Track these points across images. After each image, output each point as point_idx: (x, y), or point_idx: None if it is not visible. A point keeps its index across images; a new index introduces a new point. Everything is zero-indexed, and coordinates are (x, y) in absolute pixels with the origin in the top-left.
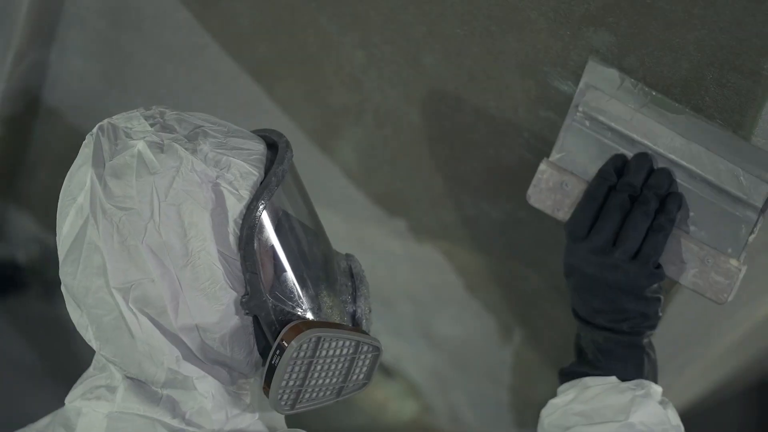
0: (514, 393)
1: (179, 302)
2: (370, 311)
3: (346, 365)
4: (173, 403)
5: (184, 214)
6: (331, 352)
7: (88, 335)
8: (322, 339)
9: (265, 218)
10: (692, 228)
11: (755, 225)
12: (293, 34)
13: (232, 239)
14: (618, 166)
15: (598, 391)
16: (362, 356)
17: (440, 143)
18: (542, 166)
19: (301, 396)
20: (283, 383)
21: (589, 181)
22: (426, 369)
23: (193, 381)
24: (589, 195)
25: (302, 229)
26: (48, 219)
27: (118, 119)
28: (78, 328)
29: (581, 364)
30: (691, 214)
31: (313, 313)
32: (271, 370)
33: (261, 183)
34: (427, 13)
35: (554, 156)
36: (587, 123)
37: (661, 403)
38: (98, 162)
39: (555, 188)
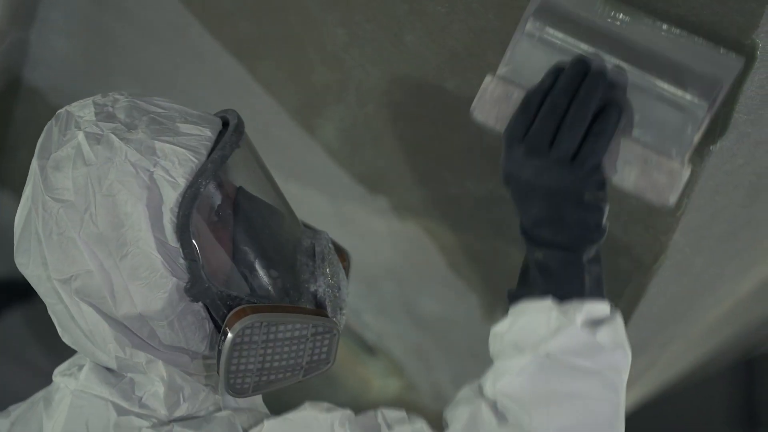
0: None
1: (120, 292)
2: (339, 289)
3: (302, 347)
4: (132, 385)
5: (120, 204)
6: (279, 336)
7: (55, 322)
8: (267, 323)
9: (203, 204)
10: (636, 131)
11: (702, 122)
12: (275, 12)
13: (170, 227)
14: (558, 74)
15: (529, 319)
16: (318, 338)
17: (422, 121)
18: (487, 79)
19: (255, 380)
20: (233, 367)
21: None
22: (409, 347)
23: (144, 366)
24: (526, 100)
25: (252, 211)
26: None
27: (74, 107)
28: (50, 315)
29: (522, 286)
30: (636, 116)
31: (263, 296)
32: (219, 356)
33: (198, 169)
34: None
35: (501, 69)
36: (537, 34)
37: (589, 324)
38: (43, 153)
39: (500, 99)
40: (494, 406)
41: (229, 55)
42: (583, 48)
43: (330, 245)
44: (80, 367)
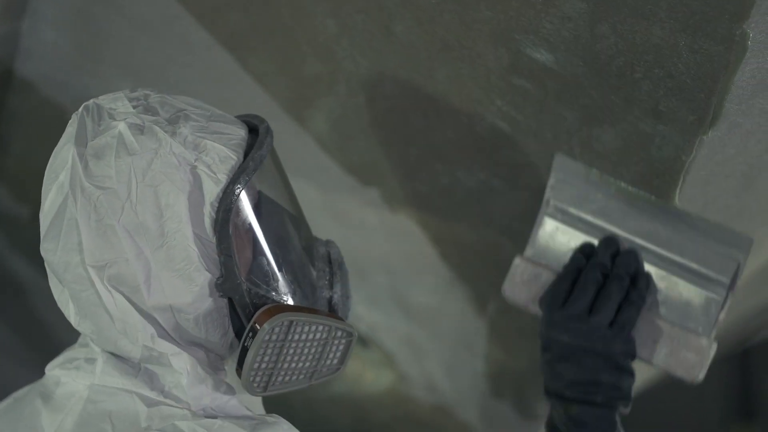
0: (489, 362)
1: (153, 282)
2: (348, 298)
3: (319, 350)
4: (151, 375)
5: (161, 195)
6: (303, 336)
7: (68, 311)
8: (294, 323)
9: (242, 202)
10: (662, 309)
11: (724, 302)
12: (265, 4)
13: (208, 222)
14: (587, 252)
15: None
16: (335, 341)
17: (413, 112)
18: (516, 261)
19: (273, 378)
20: (256, 365)
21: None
22: (401, 338)
23: (168, 357)
24: (564, 273)
25: (280, 213)
26: (22, 190)
27: (104, 100)
28: (59, 304)
29: None
30: (661, 296)
31: (288, 297)
32: (244, 352)
33: (239, 167)
34: None
35: (528, 251)
36: (559, 216)
37: None
38: (81, 141)
39: (530, 281)
40: None
41: (219, 47)
42: (605, 227)
43: (341, 254)
44: (88, 360)
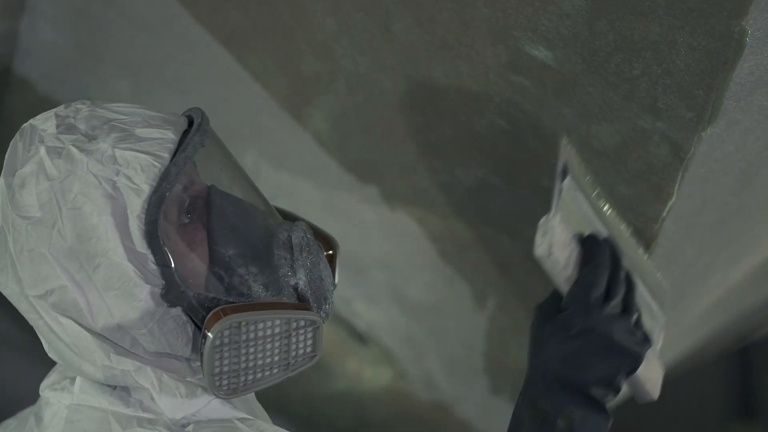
0: (488, 359)
1: (95, 305)
2: (321, 280)
3: (284, 342)
4: (128, 391)
5: (86, 217)
6: (260, 334)
7: (42, 340)
8: (246, 322)
9: (171, 207)
10: None
11: (661, 332)
12: (265, 2)
13: (138, 234)
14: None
15: None
16: (300, 331)
17: (412, 110)
18: (555, 221)
19: (242, 378)
20: (217, 369)
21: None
22: (400, 335)
23: (132, 374)
24: (600, 270)
25: (224, 208)
26: None
27: (38, 120)
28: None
29: None
30: None
31: (241, 295)
32: (202, 358)
33: (162, 174)
34: None
35: (556, 215)
36: (572, 193)
37: None
38: (10, 170)
39: (563, 246)
40: None
41: (218, 45)
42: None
43: (308, 236)
44: (72, 380)
